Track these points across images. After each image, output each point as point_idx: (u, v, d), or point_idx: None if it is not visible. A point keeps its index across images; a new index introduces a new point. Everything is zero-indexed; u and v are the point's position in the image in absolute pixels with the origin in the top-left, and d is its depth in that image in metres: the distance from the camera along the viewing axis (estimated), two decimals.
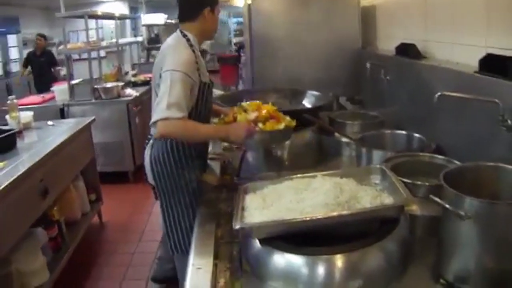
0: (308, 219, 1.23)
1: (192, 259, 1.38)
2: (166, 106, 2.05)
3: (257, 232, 1.29)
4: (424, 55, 2.32)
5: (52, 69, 7.90)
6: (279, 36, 3.46)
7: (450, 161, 1.60)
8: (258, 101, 2.27)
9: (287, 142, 2.38)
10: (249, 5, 3.49)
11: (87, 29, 5.18)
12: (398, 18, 2.81)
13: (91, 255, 3.88)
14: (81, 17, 5.12)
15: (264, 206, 1.40)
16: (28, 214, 2.84)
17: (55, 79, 7.51)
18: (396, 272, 1.21)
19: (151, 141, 2.41)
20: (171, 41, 2.32)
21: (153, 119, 2.09)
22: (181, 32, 2.30)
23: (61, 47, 5.93)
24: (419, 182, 1.48)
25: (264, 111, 2.13)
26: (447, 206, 1.08)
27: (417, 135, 2.02)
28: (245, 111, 2.19)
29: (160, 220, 2.68)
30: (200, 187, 2.33)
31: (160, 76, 2.13)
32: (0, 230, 2.50)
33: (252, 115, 2.13)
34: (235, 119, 2.18)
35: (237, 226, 1.29)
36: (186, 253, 2.00)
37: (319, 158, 2.43)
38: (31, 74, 8.19)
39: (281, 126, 2.10)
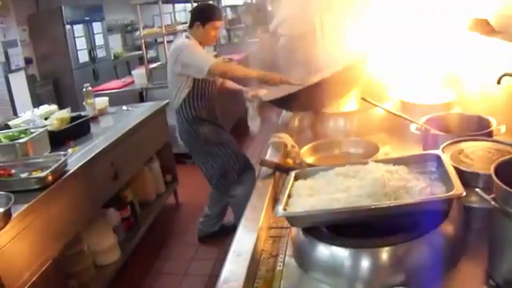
0: (349, 210, 1.18)
1: (234, 244, 1.36)
2: (206, 58, 3.09)
3: (297, 221, 1.26)
4: (500, 31, 2.13)
5: None
6: None
7: None
8: None
9: (355, 123, 2.32)
10: None
11: (161, 14, 5.30)
12: None
13: (164, 234, 4.02)
14: (155, 2, 5.25)
15: (310, 193, 1.35)
16: (99, 196, 2.99)
17: None
18: (443, 268, 1.13)
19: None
20: (180, 40, 3.32)
21: (204, 69, 3.01)
22: (187, 36, 3.28)
23: (137, 33, 6.11)
24: (479, 171, 1.34)
25: None
26: (492, 202, 0.98)
27: (487, 117, 1.87)
28: None
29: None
30: (220, 138, 3.37)
31: (176, 61, 3.13)
32: (72, 210, 2.65)
33: None
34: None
35: (278, 214, 1.26)
36: (227, 189, 3.42)
37: (386, 141, 2.31)
38: None
39: None
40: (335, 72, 2.20)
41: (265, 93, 2.78)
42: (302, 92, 2.25)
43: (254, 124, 2.97)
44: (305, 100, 2.31)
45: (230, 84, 3.55)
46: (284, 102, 2.49)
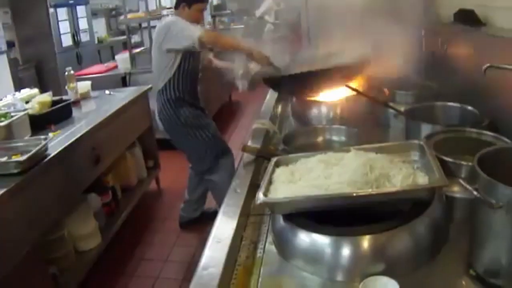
0: (330, 197, 1.17)
1: (214, 231, 1.35)
2: (195, 28, 3.02)
3: (279, 208, 1.25)
4: (484, 22, 2.13)
5: None
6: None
7: (499, 138, 1.46)
8: None
9: (339, 111, 2.30)
10: None
11: None
12: None
13: (145, 220, 4.00)
14: None
15: (291, 180, 1.35)
16: (80, 181, 2.95)
17: None
18: (424, 257, 1.13)
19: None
20: (168, 18, 3.36)
21: (193, 37, 2.96)
22: (174, 16, 3.29)
23: (122, 17, 6.03)
24: (462, 162, 1.33)
25: None
26: (475, 193, 0.98)
27: (470, 108, 1.87)
28: None
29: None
30: (199, 122, 3.33)
31: (165, 36, 3.08)
32: (52, 195, 2.61)
33: None
34: None
35: (259, 201, 1.25)
36: (203, 173, 3.46)
37: (369, 130, 2.30)
38: None
39: None
40: (338, 64, 2.16)
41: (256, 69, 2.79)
42: (300, 76, 2.21)
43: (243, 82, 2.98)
44: (299, 84, 2.27)
45: (217, 62, 3.61)
46: (277, 82, 2.47)
